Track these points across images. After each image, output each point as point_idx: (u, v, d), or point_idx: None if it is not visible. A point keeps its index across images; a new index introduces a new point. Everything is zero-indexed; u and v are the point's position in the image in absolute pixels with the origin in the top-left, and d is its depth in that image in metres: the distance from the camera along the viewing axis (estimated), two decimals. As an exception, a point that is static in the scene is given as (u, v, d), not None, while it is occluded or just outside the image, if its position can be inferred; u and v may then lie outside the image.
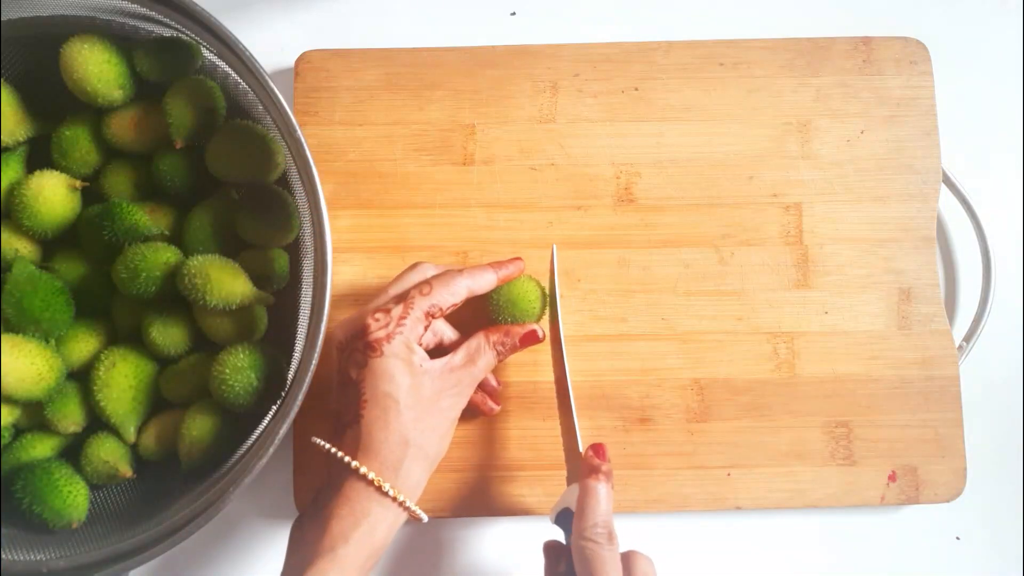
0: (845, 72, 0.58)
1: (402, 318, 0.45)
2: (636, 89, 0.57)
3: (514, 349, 0.50)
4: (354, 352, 0.45)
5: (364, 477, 0.42)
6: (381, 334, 0.44)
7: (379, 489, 0.42)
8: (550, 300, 0.52)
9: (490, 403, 0.53)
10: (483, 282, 0.49)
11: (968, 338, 0.56)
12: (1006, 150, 0.60)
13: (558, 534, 0.48)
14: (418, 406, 0.44)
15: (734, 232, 0.56)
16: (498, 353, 0.49)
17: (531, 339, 0.50)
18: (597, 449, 0.46)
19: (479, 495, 0.54)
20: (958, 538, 0.57)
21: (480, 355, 0.48)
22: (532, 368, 0.55)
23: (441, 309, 0.47)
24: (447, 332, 0.52)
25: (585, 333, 0.55)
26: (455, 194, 0.57)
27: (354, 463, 0.43)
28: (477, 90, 0.57)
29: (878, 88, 0.58)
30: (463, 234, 0.56)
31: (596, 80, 0.58)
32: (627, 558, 0.43)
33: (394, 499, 0.43)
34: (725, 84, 0.58)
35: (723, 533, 0.56)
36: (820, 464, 0.55)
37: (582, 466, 0.46)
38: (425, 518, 0.45)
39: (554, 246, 0.53)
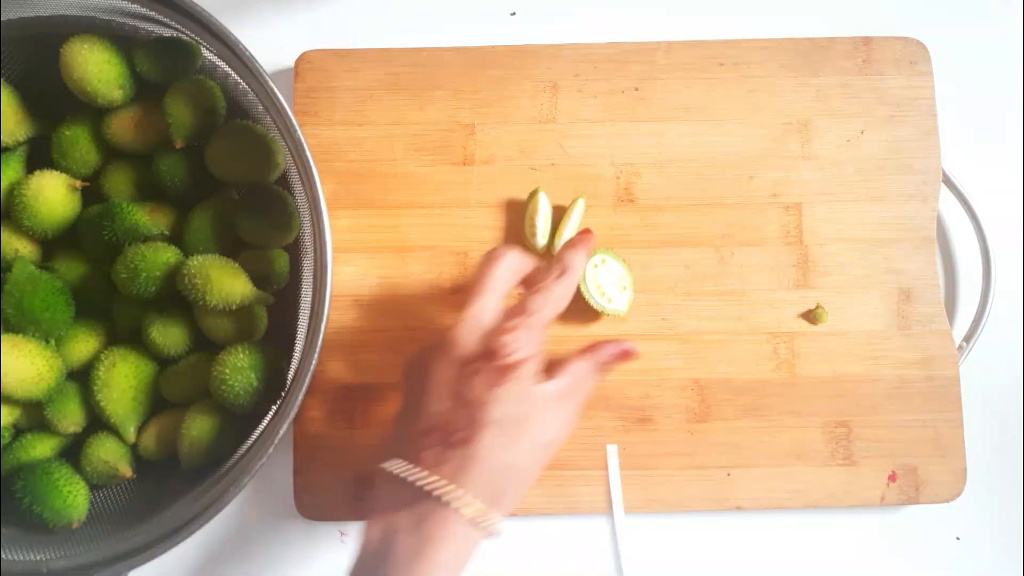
0: (845, 72, 0.58)
1: (535, 339, 0.42)
2: (636, 89, 0.57)
3: (613, 365, 0.46)
4: (480, 372, 0.41)
5: (465, 516, 0.39)
6: (518, 357, 0.41)
7: (478, 524, 0.39)
8: (610, 500, 0.51)
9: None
10: (580, 269, 0.46)
11: (968, 338, 0.56)
12: (1006, 150, 0.60)
13: None
14: (531, 434, 0.41)
15: (734, 232, 0.56)
16: (601, 371, 0.46)
17: (628, 357, 0.47)
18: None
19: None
20: (958, 538, 0.57)
21: (585, 382, 0.45)
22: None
23: (553, 318, 0.44)
24: None
25: (585, 333, 0.55)
26: (455, 194, 0.57)
27: (455, 503, 0.38)
28: (477, 90, 0.57)
29: (878, 88, 0.58)
30: (463, 234, 0.56)
31: (596, 80, 0.58)
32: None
33: (488, 529, 0.40)
34: (725, 84, 0.58)
35: (723, 533, 0.56)
36: (820, 464, 0.55)
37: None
38: (501, 534, 0.41)
39: (611, 448, 0.53)
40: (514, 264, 0.45)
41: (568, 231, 0.55)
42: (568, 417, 0.44)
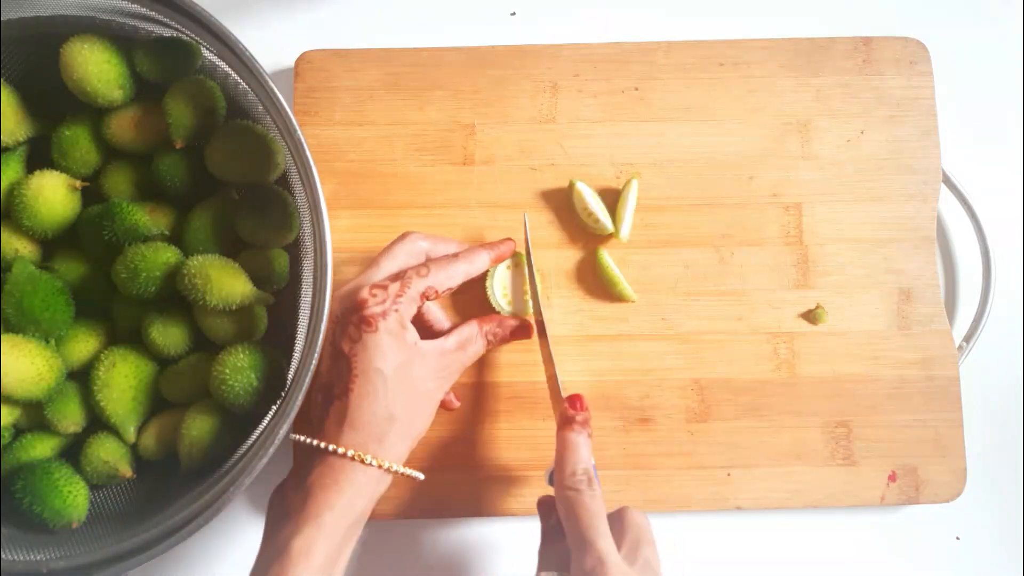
0: (845, 72, 0.58)
1: (398, 296, 0.45)
2: (636, 89, 0.57)
3: (504, 341, 0.50)
4: (348, 325, 0.45)
5: (346, 456, 0.43)
6: (377, 310, 0.45)
7: (362, 461, 0.43)
8: (527, 261, 0.53)
9: (451, 396, 0.54)
10: (479, 265, 0.50)
11: (968, 338, 0.56)
12: (1006, 150, 0.60)
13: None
14: (406, 383, 0.45)
15: (734, 232, 0.56)
16: (488, 342, 0.49)
17: (522, 333, 0.50)
18: (573, 400, 0.47)
19: (478, 495, 0.54)
20: (958, 538, 0.57)
21: (472, 343, 0.49)
22: (534, 368, 0.55)
23: (436, 292, 0.47)
24: (438, 316, 0.52)
25: (585, 333, 0.55)
26: (455, 194, 0.57)
27: (332, 447, 0.43)
28: (477, 90, 0.57)
29: (878, 88, 0.58)
30: (463, 234, 0.56)
31: (596, 80, 0.58)
32: (620, 514, 0.44)
33: (378, 466, 0.43)
34: (725, 84, 0.58)
35: (723, 533, 0.56)
36: (820, 464, 0.55)
37: (558, 419, 0.47)
38: (421, 476, 0.45)
39: (525, 215, 0.54)
40: (415, 246, 0.49)
41: (628, 212, 0.55)
42: (447, 372, 0.47)
